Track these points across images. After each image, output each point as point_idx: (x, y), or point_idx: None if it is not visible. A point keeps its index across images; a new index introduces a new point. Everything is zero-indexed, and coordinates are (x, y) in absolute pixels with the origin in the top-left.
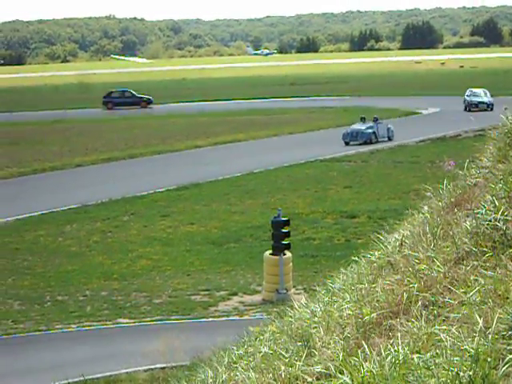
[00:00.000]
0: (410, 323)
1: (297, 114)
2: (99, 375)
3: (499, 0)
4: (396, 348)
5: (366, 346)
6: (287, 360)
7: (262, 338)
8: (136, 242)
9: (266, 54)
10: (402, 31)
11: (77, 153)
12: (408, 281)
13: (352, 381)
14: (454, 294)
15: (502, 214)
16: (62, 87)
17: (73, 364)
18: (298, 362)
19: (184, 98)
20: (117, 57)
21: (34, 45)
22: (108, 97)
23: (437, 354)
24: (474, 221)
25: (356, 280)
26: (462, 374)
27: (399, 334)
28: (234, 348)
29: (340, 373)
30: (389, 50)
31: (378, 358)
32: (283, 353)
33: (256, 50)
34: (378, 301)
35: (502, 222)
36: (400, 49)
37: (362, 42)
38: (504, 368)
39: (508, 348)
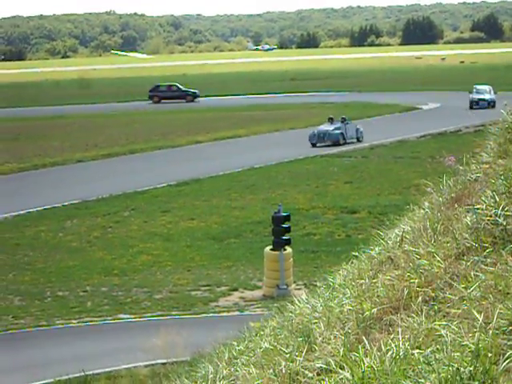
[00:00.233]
0: (410, 318)
1: (297, 109)
2: (99, 371)
3: None
4: (396, 343)
5: (366, 342)
6: (288, 355)
7: (262, 333)
8: (136, 237)
9: (267, 50)
10: (402, 27)
11: (77, 148)
12: (408, 276)
13: (352, 376)
14: (454, 289)
15: (502, 210)
16: (63, 83)
17: (73, 360)
18: (298, 358)
19: None
20: (117, 52)
21: (35, 40)
22: (154, 90)
23: (437, 349)
24: (474, 216)
25: (356, 275)
26: (462, 369)
27: (400, 330)
28: (235, 343)
29: (341, 368)
30: (389, 45)
31: (379, 354)
32: (284, 348)
33: (256, 45)
34: (378, 296)
35: (502, 218)
36: (400, 44)
37: (362, 38)
38: (505, 363)
39: (509, 343)
